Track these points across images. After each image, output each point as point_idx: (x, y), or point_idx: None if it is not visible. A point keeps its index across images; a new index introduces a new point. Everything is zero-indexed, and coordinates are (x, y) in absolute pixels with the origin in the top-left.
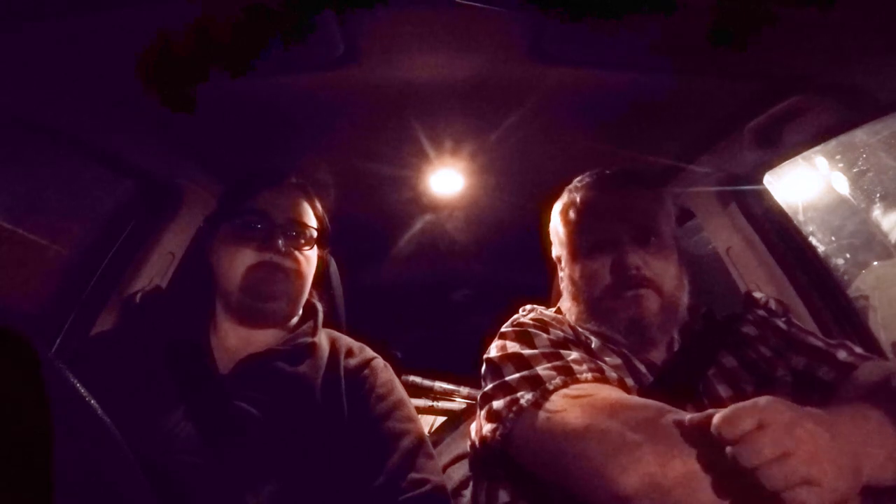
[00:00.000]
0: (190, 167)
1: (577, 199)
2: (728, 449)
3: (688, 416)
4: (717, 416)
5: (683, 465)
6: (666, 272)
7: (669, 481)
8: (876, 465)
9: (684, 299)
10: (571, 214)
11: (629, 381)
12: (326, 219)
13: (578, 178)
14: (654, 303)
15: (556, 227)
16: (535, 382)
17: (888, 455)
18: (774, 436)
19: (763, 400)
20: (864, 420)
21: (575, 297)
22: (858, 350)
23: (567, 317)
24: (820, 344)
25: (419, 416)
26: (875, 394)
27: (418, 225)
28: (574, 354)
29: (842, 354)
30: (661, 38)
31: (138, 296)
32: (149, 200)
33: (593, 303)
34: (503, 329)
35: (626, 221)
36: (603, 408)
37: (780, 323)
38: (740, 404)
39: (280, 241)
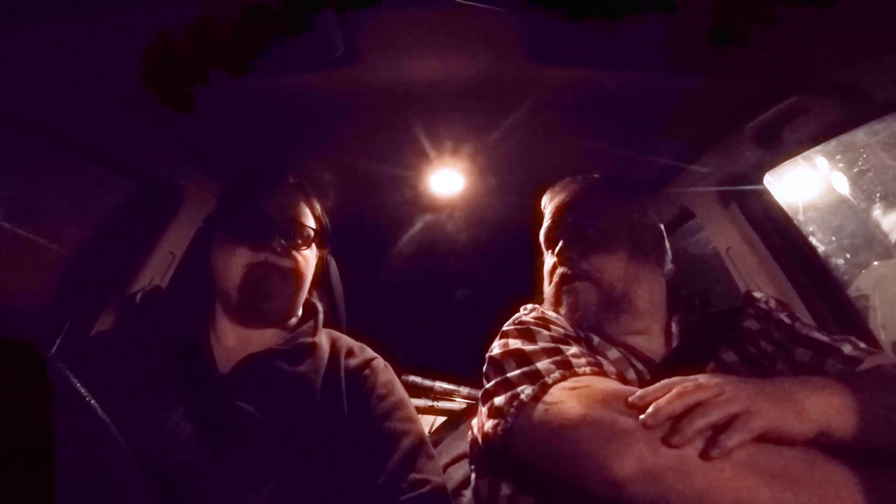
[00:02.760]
0: (190, 167)
1: (543, 203)
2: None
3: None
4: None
5: (676, 450)
6: (606, 265)
7: (662, 466)
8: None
9: (636, 290)
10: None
11: (629, 375)
12: (326, 218)
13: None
14: (591, 294)
15: None
16: (535, 377)
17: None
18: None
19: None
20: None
21: (544, 293)
22: (863, 345)
23: None
24: (825, 339)
25: (419, 416)
26: (876, 379)
27: (418, 225)
28: (574, 349)
29: (847, 348)
30: (662, 37)
31: (138, 296)
32: (149, 200)
33: (549, 297)
34: (505, 327)
35: (569, 219)
36: (598, 397)
37: (784, 317)
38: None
39: (277, 241)
